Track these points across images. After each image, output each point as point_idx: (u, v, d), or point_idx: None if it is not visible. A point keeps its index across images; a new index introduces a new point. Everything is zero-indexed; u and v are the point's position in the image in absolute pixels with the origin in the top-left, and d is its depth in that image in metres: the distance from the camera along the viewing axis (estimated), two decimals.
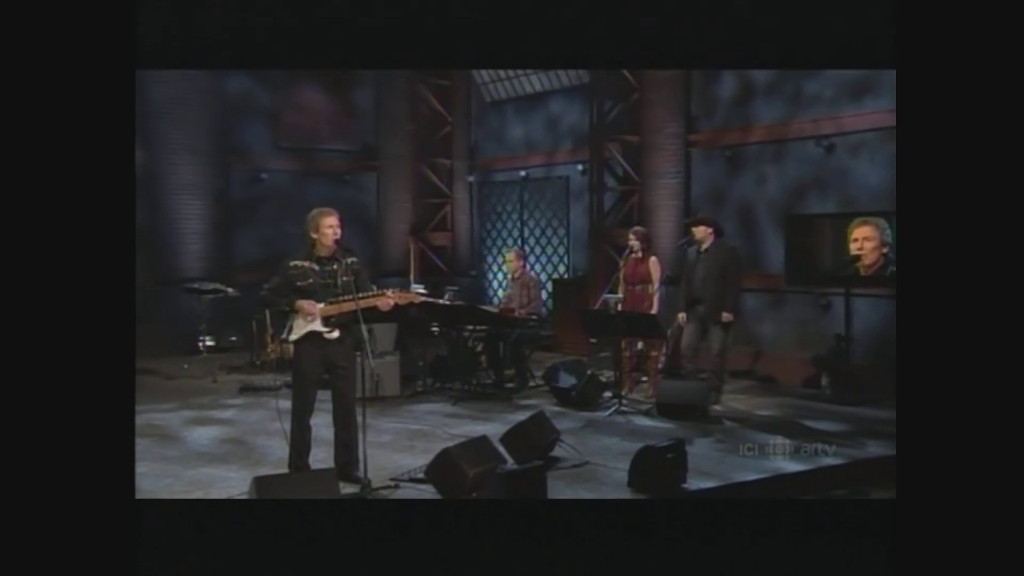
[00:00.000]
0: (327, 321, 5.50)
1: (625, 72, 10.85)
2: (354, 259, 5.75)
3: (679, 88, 10.62)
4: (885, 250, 8.21)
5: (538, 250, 12.68)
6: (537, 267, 12.68)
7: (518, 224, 12.87)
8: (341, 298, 5.50)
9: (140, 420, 7.60)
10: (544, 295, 10.69)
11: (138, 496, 5.37)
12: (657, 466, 5.55)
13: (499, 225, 13.23)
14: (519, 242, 12.85)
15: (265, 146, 13.00)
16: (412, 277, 13.22)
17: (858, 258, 8.31)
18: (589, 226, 11.32)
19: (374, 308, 5.53)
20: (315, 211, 5.72)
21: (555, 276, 12.28)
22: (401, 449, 6.57)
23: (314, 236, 5.61)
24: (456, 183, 13.38)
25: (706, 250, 8.10)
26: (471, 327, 9.01)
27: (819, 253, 8.78)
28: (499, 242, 13.13)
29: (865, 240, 8.22)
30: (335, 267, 5.59)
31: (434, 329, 9.29)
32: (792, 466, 6.15)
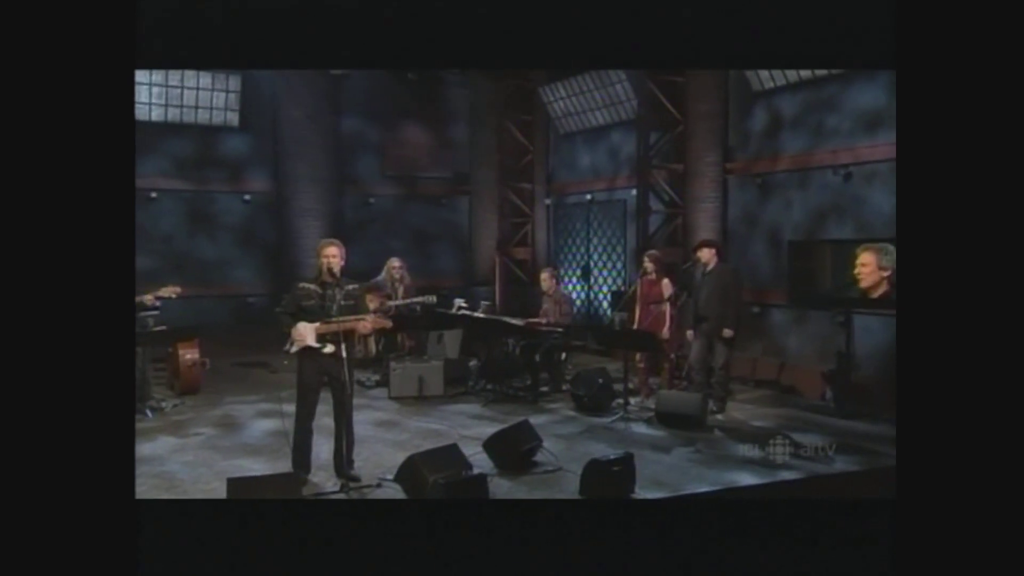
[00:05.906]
0: (321, 338, 5.59)
1: (670, 107, 10.50)
2: (354, 286, 5.82)
3: (718, 121, 10.32)
4: (886, 274, 7.59)
5: (600, 264, 12.45)
6: (600, 280, 12.47)
7: (585, 241, 12.67)
8: (333, 319, 5.58)
9: (220, 411, 8.00)
10: (575, 309, 10.28)
11: (162, 484, 5.61)
12: (604, 477, 5.36)
13: (570, 242, 13.08)
14: (586, 257, 12.65)
15: (373, 175, 13.53)
16: (497, 287, 13.32)
17: (857, 280, 7.72)
18: (636, 245, 11.01)
19: (354, 330, 5.59)
20: (322, 241, 5.85)
21: (614, 288, 12.01)
22: (411, 448, 6.45)
23: (317, 262, 5.74)
24: (536, 205, 13.37)
25: (709, 272, 7.75)
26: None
27: (819, 276, 8.21)
28: (571, 256, 12.97)
29: (862, 266, 7.64)
30: (334, 292, 5.67)
31: (512, 345, 9.03)
32: (747, 479, 5.80)
